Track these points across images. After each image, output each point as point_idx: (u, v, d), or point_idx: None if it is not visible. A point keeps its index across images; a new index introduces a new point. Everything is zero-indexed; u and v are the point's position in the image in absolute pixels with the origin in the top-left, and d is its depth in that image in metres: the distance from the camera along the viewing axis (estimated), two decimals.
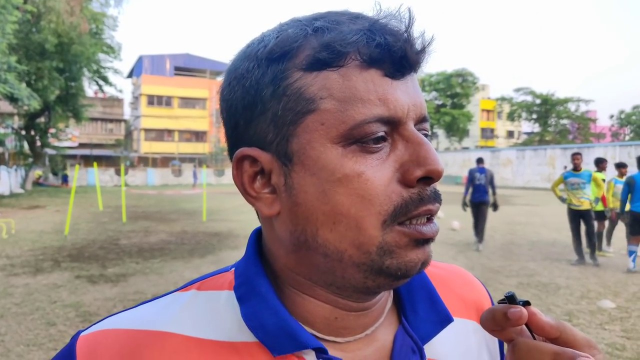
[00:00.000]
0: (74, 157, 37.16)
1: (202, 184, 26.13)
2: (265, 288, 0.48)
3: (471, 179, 9.00)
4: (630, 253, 7.19)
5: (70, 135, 35.66)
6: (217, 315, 0.49)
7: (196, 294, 0.51)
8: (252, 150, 0.46)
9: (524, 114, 48.92)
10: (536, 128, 49.59)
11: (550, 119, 47.54)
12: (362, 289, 0.46)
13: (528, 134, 54.65)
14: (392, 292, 0.55)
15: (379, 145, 0.43)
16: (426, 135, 0.48)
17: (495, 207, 8.86)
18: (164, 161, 44.17)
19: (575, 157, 7.77)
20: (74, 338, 0.48)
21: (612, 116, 54.60)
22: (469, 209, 9.11)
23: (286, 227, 0.46)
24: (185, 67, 49.24)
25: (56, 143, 29.02)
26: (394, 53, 0.43)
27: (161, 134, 47.19)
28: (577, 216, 7.78)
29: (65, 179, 27.40)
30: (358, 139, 0.42)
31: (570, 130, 47.81)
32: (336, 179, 0.42)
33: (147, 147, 45.30)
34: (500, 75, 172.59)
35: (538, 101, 47.22)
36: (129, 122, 51.71)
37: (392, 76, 0.44)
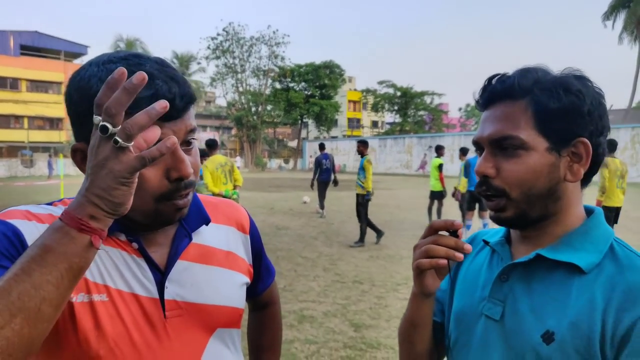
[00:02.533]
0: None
1: (59, 175, 24.10)
2: None
3: (318, 163, 11.21)
4: (468, 227, 8.59)
5: None
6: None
7: (61, 205, 0.84)
8: (81, 144, 0.78)
9: (386, 105, 52.47)
10: (397, 119, 53.53)
11: (410, 110, 51.60)
12: (147, 225, 0.83)
13: (390, 124, 58.78)
14: None
15: None
16: (191, 141, 0.81)
17: (336, 183, 11.40)
18: (12, 150, 39.51)
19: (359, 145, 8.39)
20: None
21: (460, 109, 61.18)
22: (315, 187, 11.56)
23: None
24: (34, 47, 44.18)
25: None
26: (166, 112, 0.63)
27: (7, 120, 42.02)
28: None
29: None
30: None
31: (427, 121, 52.48)
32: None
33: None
34: (365, 68, 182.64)
35: (399, 93, 50.97)
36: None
37: (165, 121, 0.74)
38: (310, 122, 52.67)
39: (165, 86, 0.74)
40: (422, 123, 51.82)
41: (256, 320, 1.21)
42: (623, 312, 0.73)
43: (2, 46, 42.63)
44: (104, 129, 0.58)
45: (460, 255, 0.81)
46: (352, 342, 4.03)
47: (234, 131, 53.55)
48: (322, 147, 11.49)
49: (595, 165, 0.84)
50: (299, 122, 50.26)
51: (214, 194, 6.65)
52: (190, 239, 0.90)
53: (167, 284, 0.84)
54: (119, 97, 0.58)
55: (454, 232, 0.83)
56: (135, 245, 0.83)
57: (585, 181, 0.87)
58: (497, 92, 0.85)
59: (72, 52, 46.08)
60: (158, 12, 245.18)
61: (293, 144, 55.94)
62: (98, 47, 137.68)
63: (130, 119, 0.58)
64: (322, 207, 11.82)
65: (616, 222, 6.71)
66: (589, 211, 0.89)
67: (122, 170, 0.60)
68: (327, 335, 4.21)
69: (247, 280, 0.99)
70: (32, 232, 0.74)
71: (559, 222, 0.85)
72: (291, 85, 48.58)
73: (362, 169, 8.12)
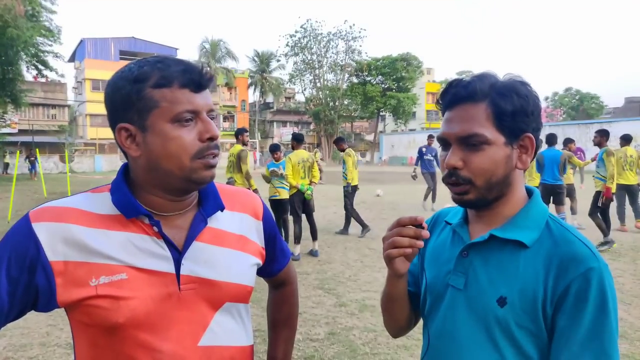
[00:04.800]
0: (14, 144, 35.59)
1: None
2: (124, 189, 0.97)
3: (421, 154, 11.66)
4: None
5: (9, 122, 34.18)
6: (101, 201, 0.98)
7: (91, 194, 1.01)
8: (126, 124, 0.93)
9: None
10: None
11: None
12: (181, 189, 0.97)
13: None
14: (198, 195, 1.06)
15: (188, 123, 0.92)
16: (213, 117, 0.98)
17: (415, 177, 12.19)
18: (113, 147, 43.02)
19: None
20: (27, 213, 0.93)
21: (547, 98, 57.55)
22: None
23: (144, 161, 0.94)
24: (131, 51, 47.79)
25: None
26: (195, 80, 0.93)
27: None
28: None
29: (33, 167, 25.60)
30: (178, 120, 0.91)
31: None
32: (170, 137, 0.91)
33: (93, 133, 43.90)
34: (445, 59, 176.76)
35: None
36: (73, 108, 49.86)
37: (195, 91, 0.93)
38: (387, 115, 52.18)
39: (192, 63, 0.95)
40: None
41: (274, 297, 1.33)
42: (558, 279, 0.90)
43: (104, 52, 46.63)
44: None
45: (420, 243, 0.97)
46: (410, 332, 4.07)
47: (312, 126, 54.38)
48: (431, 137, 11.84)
49: (534, 156, 1.00)
50: (376, 115, 49.94)
51: (291, 185, 6.98)
52: (206, 223, 1.02)
53: (183, 261, 0.96)
54: None
55: (418, 225, 0.98)
56: (155, 228, 0.95)
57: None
58: (460, 96, 0.98)
59: (164, 54, 48.95)
60: (240, 12, 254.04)
61: (370, 137, 55.70)
62: (186, 49, 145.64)
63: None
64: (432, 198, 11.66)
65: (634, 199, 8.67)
66: (529, 191, 1.05)
67: None
68: None
69: (258, 261, 1.12)
70: (55, 233, 0.91)
71: (507, 203, 1.01)
72: (368, 79, 48.26)
73: (344, 162, 8.53)
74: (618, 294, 4.94)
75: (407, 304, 1.14)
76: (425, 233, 0.97)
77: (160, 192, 0.97)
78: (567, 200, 8.77)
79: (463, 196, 0.99)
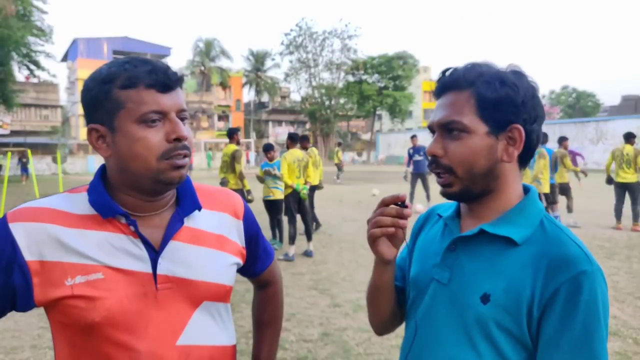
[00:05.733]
0: (6, 145, 35.31)
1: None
2: (101, 189, 0.97)
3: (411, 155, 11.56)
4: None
5: (1, 123, 33.95)
6: (78, 202, 0.97)
7: (69, 195, 1.00)
8: (96, 125, 0.94)
9: None
10: None
11: None
12: (151, 190, 0.96)
13: None
14: (175, 194, 1.04)
15: (155, 123, 0.92)
16: (184, 118, 0.97)
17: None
18: None
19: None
20: (4, 215, 0.93)
21: (544, 96, 57.78)
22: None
23: (114, 161, 0.95)
24: (124, 51, 47.54)
25: None
26: (160, 81, 0.92)
27: None
28: None
29: (25, 169, 25.14)
30: (143, 120, 0.91)
31: None
32: (135, 138, 0.91)
33: (86, 134, 43.64)
34: (442, 57, 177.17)
35: None
36: (66, 108, 49.62)
37: (162, 92, 0.92)
38: (383, 114, 52.22)
39: (160, 64, 0.94)
40: None
41: (258, 298, 1.32)
42: (548, 280, 0.85)
43: (96, 52, 46.42)
44: None
45: (404, 222, 0.95)
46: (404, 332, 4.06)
47: (307, 125, 54.34)
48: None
49: (530, 150, 0.96)
50: (372, 114, 49.97)
51: (286, 185, 6.94)
52: (182, 222, 1.01)
53: (160, 260, 0.96)
54: None
55: (402, 203, 0.97)
56: (132, 228, 0.95)
57: (523, 164, 0.99)
58: (446, 83, 0.97)
59: (157, 54, 48.97)
60: (234, 11, 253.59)
61: (366, 136, 55.75)
62: (179, 48, 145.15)
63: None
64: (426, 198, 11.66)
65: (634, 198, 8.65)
66: (526, 189, 1.01)
67: None
68: None
69: (238, 260, 1.11)
70: (30, 234, 0.91)
71: (498, 198, 0.97)
72: (364, 77, 48.30)
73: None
74: (612, 292, 4.97)
75: (392, 296, 1.10)
76: (408, 211, 0.95)
77: (133, 192, 0.97)
78: (562, 199, 8.79)
79: (447, 189, 0.97)
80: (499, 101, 0.91)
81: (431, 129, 0.99)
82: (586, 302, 0.83)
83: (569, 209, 9.34)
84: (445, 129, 0.95)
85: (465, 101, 0.93)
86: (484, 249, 0.94)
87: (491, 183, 0.95)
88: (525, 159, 0.97)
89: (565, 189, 9.12)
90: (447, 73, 0.98)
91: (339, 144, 23.30)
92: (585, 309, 0.83)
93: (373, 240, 0.99)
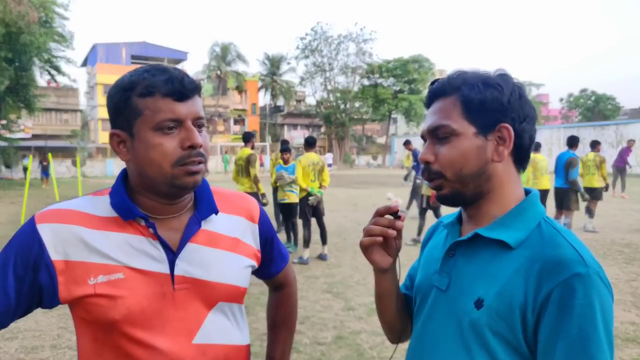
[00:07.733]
0: (27, 148, 36.02)
1: None
2: (122, 192, 1.02)
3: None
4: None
5: (23, 127, 34.64)
6: (101, 204, 1.03)
7: (92, 197, 1.05)
8: (117, 130, 0.99)
9: None
10: None
11: None
12: (167, 194, 1.00)
13: None
14: (193, 198, 1.08)
15: (171, 131, 0.95)
16: (201, 125, 1.00)
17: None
18: None
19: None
20: (33, 216, 0.98)
21: (562, 99, 56.97)
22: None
23: (133, 166, 1.00)
24: (143, 56, 48.28)
25: (8, 135, 28.19)
26: (176, 90, 0.95)
27: None
28: None
29: (46, 172, 25.51)
30: (160, 128, 0.95)
31: None
32: (152, 145, 0.95)
33: (105, 138, 44.32)
34: (457, 60, 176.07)
35: None
36: (85, 113, 50.45)
37: (178, 100, 0.96)
38: (399, 117, 51.98)
39: (177, 72, 0.97)
40: None
41: (273, 299, 1.35)
42: (540, 284, 0.84)
43: (115, 57, 47.13)
44: None
45: (392, 232, 0.98)
46: None
47: (323, 129, 54.36)
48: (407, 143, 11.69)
49: (524, 150, 0.96)
50: (388, 118, 49.80)
51: (301, 188, 6.95)
52: (200, 225, 1.05)
53: (177, 262, 1.00)
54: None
55: (395, 213, 1.00)
56: (151, 230, 1.00)
57: (520, 165, 0.99)
58: (434, 92, 1.00)
59: (174, 58, 49.57)
60: (250, 16, 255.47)
61: (382, 140, 55.55)
62: (196, 53, 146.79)
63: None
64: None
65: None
66: (527, 193, 1.00)
67: None
68: None
69: (253, 263, 1.14)
70: (57, 234, 0.95)
71: (493, 201, 0.96)
72: (379, 81, 48.11)
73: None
74: (631, 298, 4.90)
75: (394, 303, 1.11)
76: (399, 224, 0.98)
77: (151, 196, 1.02)
78: (582, 204, 8.59)
79: (439, 192, 0.98)
80: (484, 102, 0.93)
81: (423, 137, 1.01)
82: (581, 306, 0.80)
83: (591, 214, 8.96)
84: (434, 135, 0.97)
85: (452, 105, 0.95)
86: (480, 254, 0.94)
87: (484, 185, 0.95)
88: (520, 160, 0.98)
89: (596, 194, 8.91)
90: (432, 83, 1.01)
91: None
92: (580, 313, 0.80)
93: (365, 249, 1.02)
